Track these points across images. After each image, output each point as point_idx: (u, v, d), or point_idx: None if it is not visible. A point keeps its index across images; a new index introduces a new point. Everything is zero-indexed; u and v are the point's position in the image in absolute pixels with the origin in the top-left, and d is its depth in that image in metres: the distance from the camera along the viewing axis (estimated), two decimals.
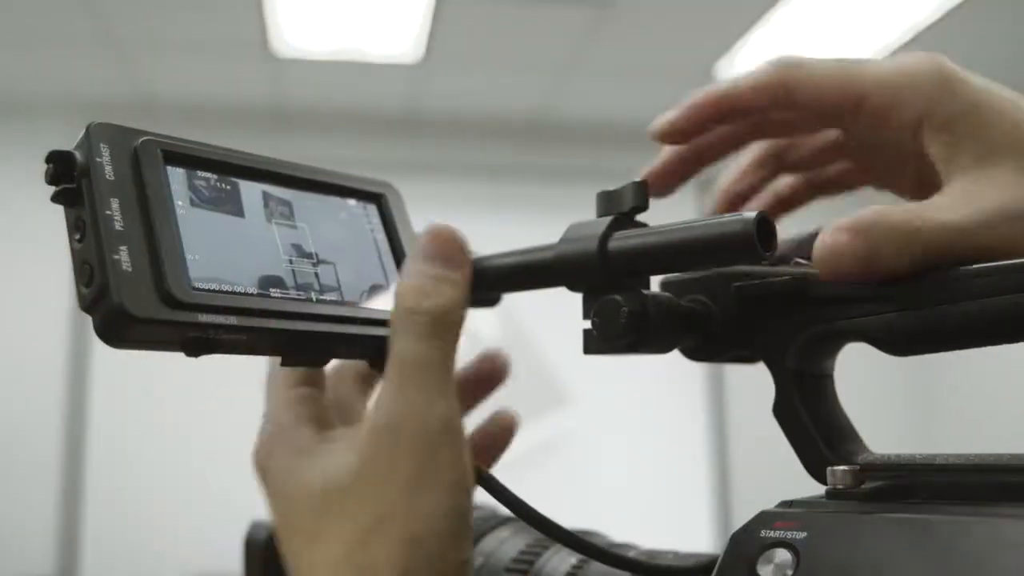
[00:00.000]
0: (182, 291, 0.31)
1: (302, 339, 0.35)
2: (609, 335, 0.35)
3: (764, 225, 0.32)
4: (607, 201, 0.37)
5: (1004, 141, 0.34)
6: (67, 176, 0.32)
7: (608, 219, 0.36)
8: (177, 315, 0.31)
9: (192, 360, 0.33)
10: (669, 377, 3.35)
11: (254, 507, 0.41)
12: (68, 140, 0.33)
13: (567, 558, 0.42)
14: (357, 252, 0.40)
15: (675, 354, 0.40)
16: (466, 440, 0.35)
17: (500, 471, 0.39)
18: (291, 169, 0.39)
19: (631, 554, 0.41)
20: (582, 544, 0.36)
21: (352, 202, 0.41)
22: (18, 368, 3.09)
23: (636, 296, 0.35)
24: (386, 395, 0.34)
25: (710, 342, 0.38)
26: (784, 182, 0.47)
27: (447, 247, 0.37)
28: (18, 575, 2.98)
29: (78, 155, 0.32)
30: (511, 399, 0.44)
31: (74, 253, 0.32)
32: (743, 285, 0.36)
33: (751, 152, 0.46)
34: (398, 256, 0.41)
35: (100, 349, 3.13)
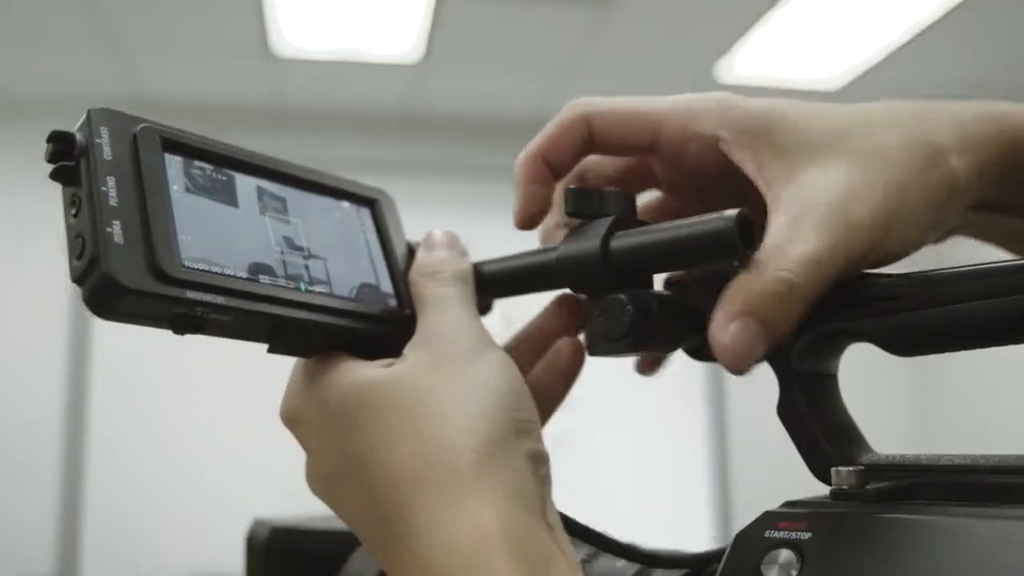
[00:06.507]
0: (172, 266, 0.32)
1: (289, 325, 0.35)
2: (614, 334, 0.35)
3: (744, 222, 0.32)
4: (583, 200, 0.38)
5: (807, 139, 0.34)
6: (66, 155, 0.32)
7: (608, 219, 0.37)
8: (166, 289, 0.31)
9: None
10: (670, 377, 3.35)
11: (254, 506, 0.41)
12: None
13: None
14: (349, 251, 0.40)
15: (677, 353, 0.40)
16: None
17: None
18: (287, 168, 0.39)
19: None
20: (587, 533, 0.36)
21: (346, 204, 0.41)
22: (18, 368, 3.09)
23: (640, 295, 0.35)
24: (430, 317, 0.36)
25: None
26: None
27: (449, 239, 0.40)
28: (18, 575, 2.98)
29: (78, 136, 0.33)
30: None
31: (68, 228, 0.32)
32: None
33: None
34: (390, 259, 0.41)
35: (100, 349, 3.13)
